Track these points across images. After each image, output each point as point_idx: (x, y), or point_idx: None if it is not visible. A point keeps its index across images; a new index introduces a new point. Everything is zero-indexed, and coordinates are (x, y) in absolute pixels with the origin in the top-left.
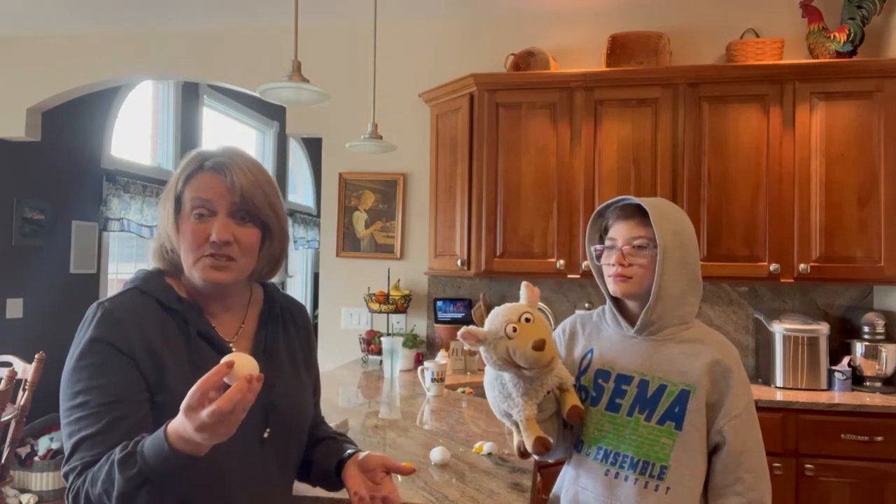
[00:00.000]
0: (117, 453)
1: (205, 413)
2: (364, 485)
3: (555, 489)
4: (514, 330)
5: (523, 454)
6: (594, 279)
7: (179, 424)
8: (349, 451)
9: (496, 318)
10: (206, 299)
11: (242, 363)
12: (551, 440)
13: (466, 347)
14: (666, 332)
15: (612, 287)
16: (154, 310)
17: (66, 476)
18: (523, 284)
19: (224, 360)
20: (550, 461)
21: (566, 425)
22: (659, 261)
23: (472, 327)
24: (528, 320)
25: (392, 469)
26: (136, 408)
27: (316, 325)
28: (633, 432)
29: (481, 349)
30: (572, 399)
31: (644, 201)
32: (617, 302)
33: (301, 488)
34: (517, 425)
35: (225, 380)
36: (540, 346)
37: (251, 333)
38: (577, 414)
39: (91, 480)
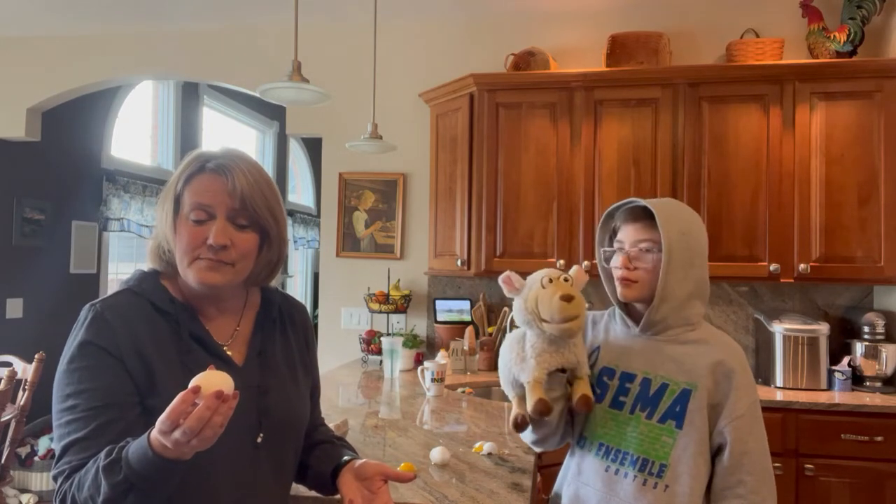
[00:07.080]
0: (102, 459)
1: (177, 433)
2: (359, 493)
3: (556, 487)
4: (550, 281)
5: (519, 425)
6: (594, 279)
7: (159, 435)
8: (346, 458)
9: (537, 273)
10: (201, 301)
11: (211, 382)
12: (552, 407)
13: (504, 291)
14: (670, 332)
15: (619, 291)
16: (146, 311)
17: (54, 479)
18: (576, 267)
19: (191, 384)
20: (538, 450)
21: (570, 419)
22: (664, 263)
23: (513, 273)
24: (566, 280)
25: (391, 477)
26: (126, 412)
27: (316, 325)
28: (634, 430)
29: (514, 300)
30: (584, 388)
31: (652, 203)
32: (625, 303)
33: (300, 489)
34: (521, 396)
35: (196, 401)
36: (567, 298)
37: (246, 337)
38: (586, 403)
39: (77, 485)
